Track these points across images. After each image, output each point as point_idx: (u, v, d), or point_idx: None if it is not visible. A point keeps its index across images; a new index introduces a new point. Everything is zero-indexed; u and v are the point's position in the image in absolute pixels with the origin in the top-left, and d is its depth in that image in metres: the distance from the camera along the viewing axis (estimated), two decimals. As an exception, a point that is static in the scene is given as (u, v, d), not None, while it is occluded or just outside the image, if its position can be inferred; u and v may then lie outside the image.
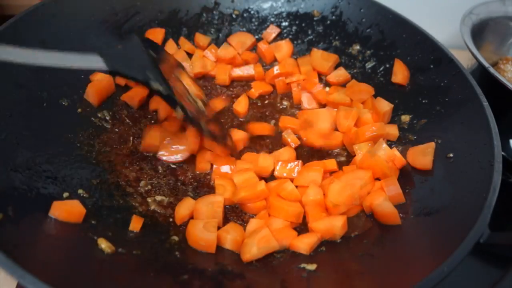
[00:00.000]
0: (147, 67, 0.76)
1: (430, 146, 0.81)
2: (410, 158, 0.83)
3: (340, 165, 0.88)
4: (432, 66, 0.92)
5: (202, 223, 0.72)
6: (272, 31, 1.11)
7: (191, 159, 0.87)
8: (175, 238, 0.73)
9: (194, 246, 0.71)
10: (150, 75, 0.76)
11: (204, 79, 1.06)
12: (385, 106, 0.91)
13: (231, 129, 0.92)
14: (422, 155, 0.81)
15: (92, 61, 0.72)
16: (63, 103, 0.86)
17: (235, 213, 0.80)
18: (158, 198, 0.80)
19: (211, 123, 0.87)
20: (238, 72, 1.05)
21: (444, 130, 0.83)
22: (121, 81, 0.97)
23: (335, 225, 0.72)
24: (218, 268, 0.67)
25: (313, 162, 0.87)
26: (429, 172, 0.79)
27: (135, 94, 0.94)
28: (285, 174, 0.84)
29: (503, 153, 0.90)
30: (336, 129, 0.94)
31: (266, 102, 1.03)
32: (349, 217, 0.76)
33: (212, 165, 0.86)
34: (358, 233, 0.73)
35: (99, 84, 0.91)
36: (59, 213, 0.66)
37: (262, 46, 1.08)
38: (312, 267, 0.66)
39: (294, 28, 1.11)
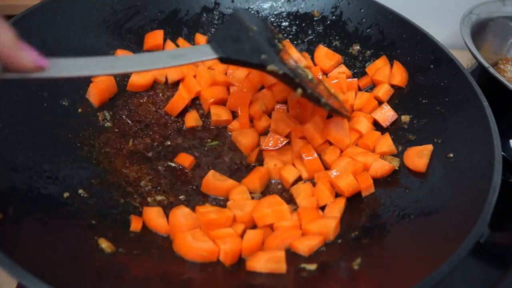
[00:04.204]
0: (260, 49, 0.70)
1: (427, 149, 0.81)
2: (406, 159, 0.83)
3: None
4: (432, 66, 0.92)
5: (189, 235, 0.69)
6: None
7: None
8: (175, 238, 0.73)
9: (195, 258, 0.67)
10: (265, 57, 0.69)
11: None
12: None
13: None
14: (418, 157, 0.81)
15: (203, 52, 0.68)
16: (63, 103, 0.86)
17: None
18: (158, 198, 0.80)
19: (323, 92, 0.82)
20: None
21: (444, 130, 0.83)
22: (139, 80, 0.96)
23: (328, 226, 0.73)
24: (219, 268, 0.67)
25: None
26: (425, 173, 0.79)
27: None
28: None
29: (503, 153, 0.90)
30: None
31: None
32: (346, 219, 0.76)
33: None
34: (358, 233, 0.73)
35: (101, 85, 0.91)
36: None
37: None
38: (312, 267, 0.66)
39: (294, 28, 1.11)
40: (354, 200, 0.81)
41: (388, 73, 0.98)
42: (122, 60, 0.63)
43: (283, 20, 1.12)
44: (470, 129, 0.78)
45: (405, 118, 0.91)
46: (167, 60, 0.64)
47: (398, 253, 0.66)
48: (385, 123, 0.92)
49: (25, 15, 0.85)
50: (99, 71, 0.61)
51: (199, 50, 0.69)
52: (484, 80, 0.95)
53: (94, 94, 0.89)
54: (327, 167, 0.87)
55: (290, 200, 0.83)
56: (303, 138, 0.90)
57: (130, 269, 0.63)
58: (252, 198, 0.82)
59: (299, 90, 0.73)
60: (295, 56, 0.87)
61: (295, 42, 1.11)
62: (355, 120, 0.92)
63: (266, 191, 0.85)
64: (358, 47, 1.06)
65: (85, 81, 0.91)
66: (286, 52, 0.82)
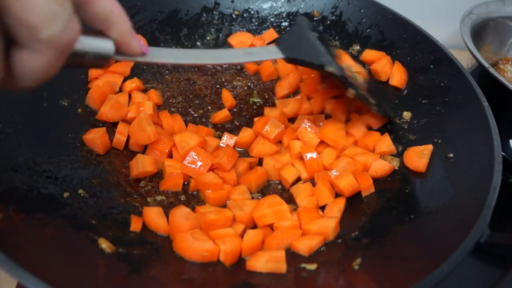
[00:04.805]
0: (320, 52, 0.81)
1: (427, 149, 0.81)
2: (406, 159, 0.83)
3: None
4: (432, 66, 0.92)
5: (189, 235, 0.69)
6: (270, 36, 1.10)
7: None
8: (175, 238, 0.73)
9: (195, 258, 0.67)
10: (324, 59, 0.79)
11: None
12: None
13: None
14: (418, 157, 0.81)
15: (272, 52, 0.78)
16: (63, 103, 0.86)
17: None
18: (158, 198, 0.80)
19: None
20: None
21: (444, 130, 0.83)
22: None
23: (328, 226, 0.73)
24: (219, 268, 0.67)
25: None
26: (425, 173, 0.79)
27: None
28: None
29: (503, 153, 0.90)
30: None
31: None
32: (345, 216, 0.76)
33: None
34: (358, 233, 0.73)
35: (100, 90, 0.89)
36: None
37: (256, 42, 1.08)
38: (312, 267, 0.66)
39: (294, 28, 1.11)
40: (354, 200, 0.81)
41: (387, 70, 0.98)
42: (205, 53, 0.77)
43: (283, 20, 1.12)
44: (470, 129, 0.78)
45: (407, 114, 0.91)
46: (241, 56, 0.76)
47: (398, 253, 0.66)
48: (376, 126, 0.92)
49: (25, 15, 0.85)
50: (184, 61, 0.70)
51: (269, 50, 0.79)
52: (484, 80, 0.95)
53: (94, 100, 0.88)
54: (326, 168, 0.87)
55: (290, 200, 0.83)
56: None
57: (130, 269, 0.63)
58: (252, 198, 0.82)
59: (352, 91, 0.81)
60: (348, 62, 0.96)
61: (295, 42, 1.11)
62: (352, 122, 0.92)
63: (266, 191, 0.85)
64: (358, 47, 1.06)
65: (85, 82, 0.91)
66: (339, 58, 0.91)
